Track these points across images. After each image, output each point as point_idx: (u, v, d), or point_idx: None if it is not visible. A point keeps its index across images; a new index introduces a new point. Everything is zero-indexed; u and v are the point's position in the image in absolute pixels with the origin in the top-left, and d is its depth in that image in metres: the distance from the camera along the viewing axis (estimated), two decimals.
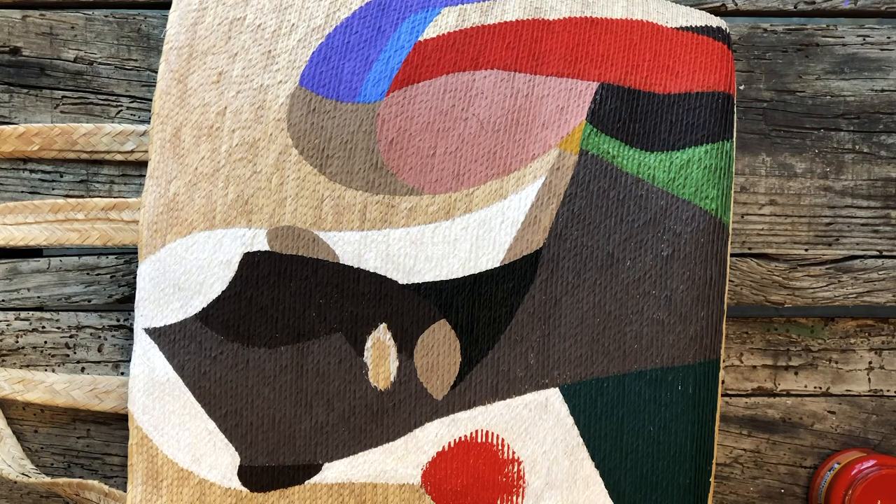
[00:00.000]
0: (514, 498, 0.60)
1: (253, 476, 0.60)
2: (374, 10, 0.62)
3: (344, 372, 0.59)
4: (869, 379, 0.70)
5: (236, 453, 0.60)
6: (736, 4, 0.70)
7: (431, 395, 0.59)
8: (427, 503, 0.60)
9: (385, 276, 0.59)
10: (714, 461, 0.58)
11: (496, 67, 0.60)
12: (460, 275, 0.59)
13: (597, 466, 0.59)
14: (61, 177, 0.68)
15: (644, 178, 0.58)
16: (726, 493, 0.70)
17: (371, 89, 0.60)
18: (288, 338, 0.59)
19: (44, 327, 0.68)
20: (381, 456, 0.60)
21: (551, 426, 0.59)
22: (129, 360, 0.67)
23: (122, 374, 0.68)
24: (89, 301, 0.68)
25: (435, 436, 0.59)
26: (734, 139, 0.59)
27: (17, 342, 0.68)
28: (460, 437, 0.59)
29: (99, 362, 0.68)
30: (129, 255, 0.68)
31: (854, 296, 0.69)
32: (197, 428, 0.60)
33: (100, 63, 0.68)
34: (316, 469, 0.60)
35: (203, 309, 0.60)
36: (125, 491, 0.64)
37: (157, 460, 0.61)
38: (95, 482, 0.64)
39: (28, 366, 0.68)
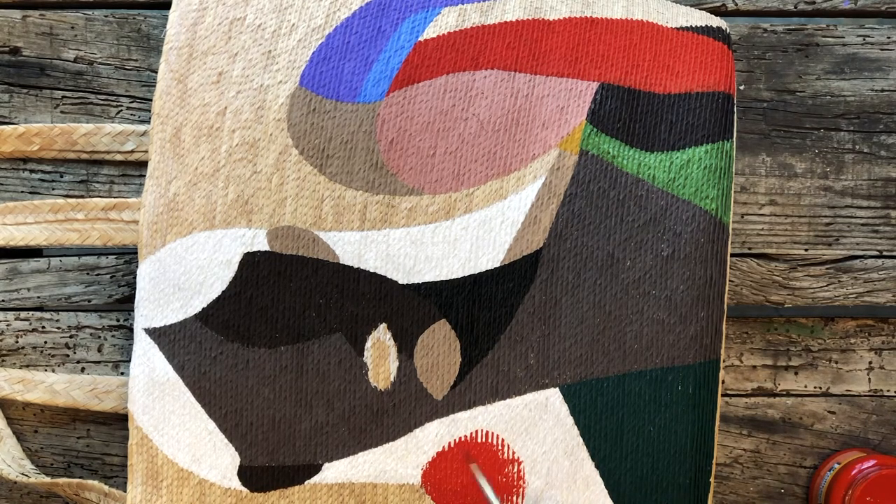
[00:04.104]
0: (514, 498, 0.60)
1: (253, 476, 0.60)
2: (374, 10, 0.62)
3: (344, 372, 0.59)
4: (869, 379, 0.70)
5: (236, 453, 0.60)
6: (736, 4, 0.70)
7: (431, 395, 0.59)
8: (427, 503, 0.60)
9: (385, 276, 0.59)
10: (714, 461, 0.58)
11: (496, 67, 0.60)
12: (460, 275, 0.59)
13: (597, 466, 0.59)
14: (61, 177, 0.68)
15: (644, 178, 0.58)
16: (726, 493, 0.70)
17: (371, 89, 0.60)
18: (288, 338, 0.59)
19: (44, 327, 0.68)
20: (381, 456, 0.60)
21: (551, 426, 0.59)
22: (129, 360, 0.67)
23: (122, 374, 0.68)
24: (89, 301, 0.68)
25: (435, 436, 0.59)
26: (734, 139, 0.59)
27: (17, 342, 0.68)
28: (460, 437, 0.59)
29: (99, 362, 0.68)
30: (129, 255, 0.68)
31: (854, 296, 0.69)
32: (197, 428, 0.60)
33: (100, 63, 0.68)
34: (316, 469, 0.60)
35: (203, 309, 0.60)
36: (125, 491, 0.64)
37: (157, 460, 0.61)
38: (95, 482, 0.64)
39: (28, 366, 0.68)
